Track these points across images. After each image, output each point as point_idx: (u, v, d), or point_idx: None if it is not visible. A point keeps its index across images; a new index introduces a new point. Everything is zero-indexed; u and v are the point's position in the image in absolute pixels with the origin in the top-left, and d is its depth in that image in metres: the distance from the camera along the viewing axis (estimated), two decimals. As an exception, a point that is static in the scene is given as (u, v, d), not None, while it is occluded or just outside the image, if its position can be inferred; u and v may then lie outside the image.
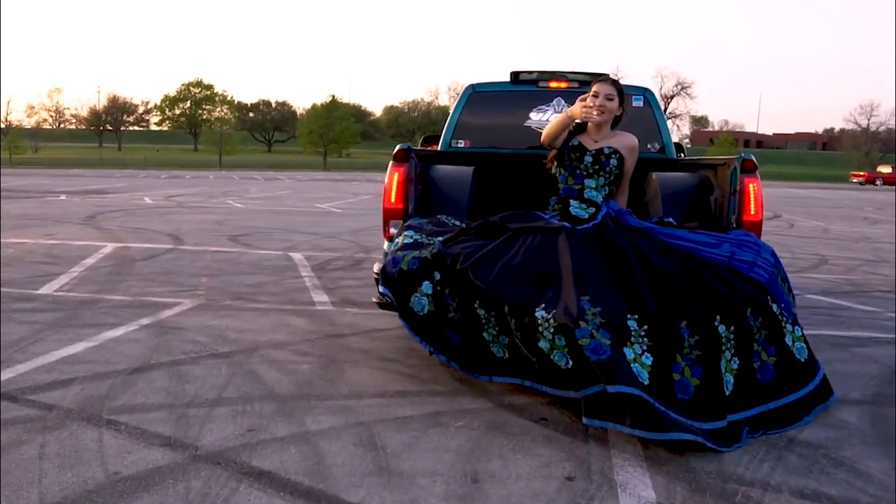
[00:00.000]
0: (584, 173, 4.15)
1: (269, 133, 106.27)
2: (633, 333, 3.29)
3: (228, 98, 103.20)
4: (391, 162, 4.63)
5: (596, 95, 4.16)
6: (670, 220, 4.31)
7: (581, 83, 6.03)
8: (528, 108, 5.96)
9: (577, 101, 4.14)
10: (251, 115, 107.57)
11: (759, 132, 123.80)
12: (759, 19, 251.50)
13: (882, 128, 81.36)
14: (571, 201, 4.15)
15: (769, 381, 3.51)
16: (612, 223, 3.95)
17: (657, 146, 5.65)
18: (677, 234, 3.94)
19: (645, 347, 3.27)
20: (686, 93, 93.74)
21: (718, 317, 3.43)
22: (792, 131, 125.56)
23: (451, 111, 6.35)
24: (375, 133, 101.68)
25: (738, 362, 3.46)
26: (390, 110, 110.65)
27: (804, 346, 3.63)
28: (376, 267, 4.09)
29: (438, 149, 6.17)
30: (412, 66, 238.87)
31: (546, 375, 3.41)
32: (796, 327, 3.65)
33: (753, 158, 4.53)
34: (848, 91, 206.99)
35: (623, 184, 4.39)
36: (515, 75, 6.10)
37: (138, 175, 34.47)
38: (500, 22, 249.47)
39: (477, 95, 6.09)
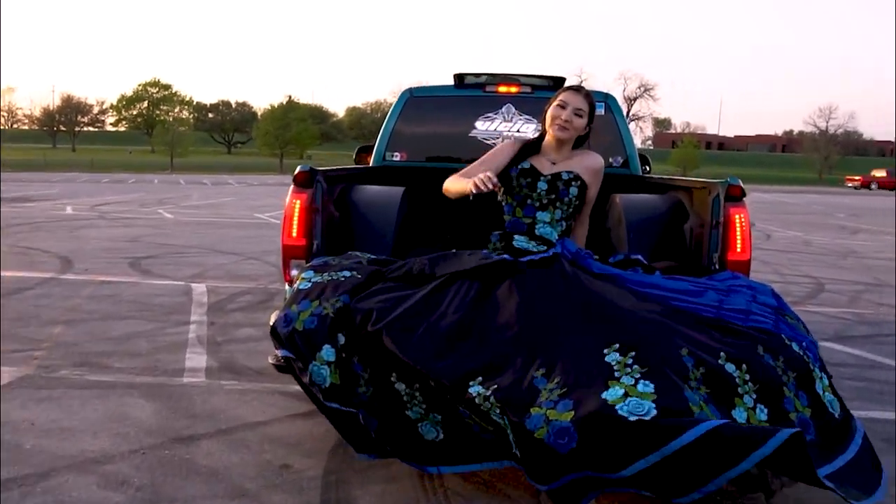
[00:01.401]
0: (537, 204, 3.24)
1: (228, 134, 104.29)
2: None
3: (187, 98, 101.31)
4: (291, 187, 3.51)
5: (563, 107, 3.24)
6: (638, 257, 3.37)
7: (534, 87, 5.13)
8: (474, 115, 5.14)
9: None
10: (211, 115, 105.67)
11: (721, 134, 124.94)
12: (722, 21, 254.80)
13: (840, 130, 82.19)
14: (517, 237, 3.22)
15: (813, 441, 2.51)
16: (568, 267, 2.97)
17: (620, 160, 4.89)
18: (650, 283, 3.01)
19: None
20: (649, 95, 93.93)
21: (723, 354, 2.54)
22: (752, 133, 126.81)
23: (386, 117, 5.23)
24: (338, 134, 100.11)
25: (766, 412, 2.49)
26: (352, 112, 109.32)
27: (835, 398, 2.72)
28: (273, 317, 2.92)
29: (371, 162, 5.09)
30: (375, 66, 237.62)
31: (506, 449, 2.53)
32: (823, 374, 2.74)
33: (741, 184, 3.56)
34: (807, 94, 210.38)
35: (583, 216, 3.38)
36: (460, 78, 5.20)
37: (79, 179, 32.45)
38: (465, 22, 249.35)
39: (415, 101, 5.25)
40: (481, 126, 5.14)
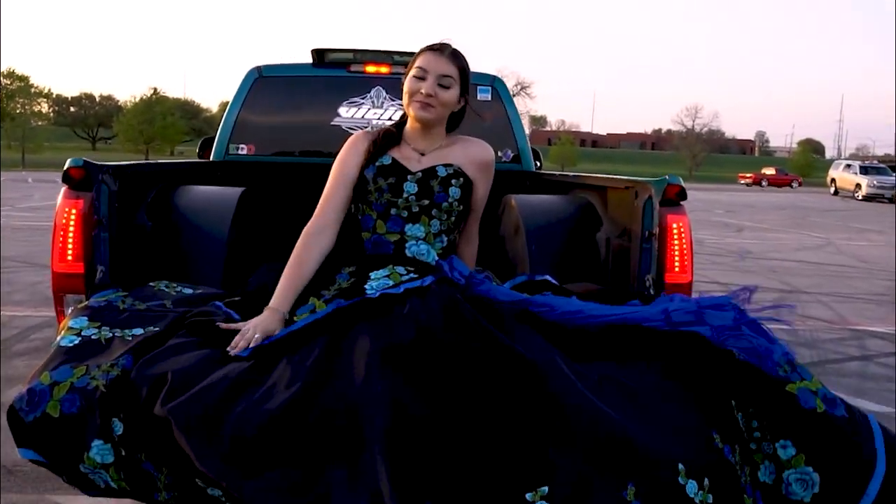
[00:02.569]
0: (405, 214, 2.36)
1: (92, 129, 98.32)
2: None
3: (45, 91, 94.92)
4: (63, 189, 2.50)
5: (421, 77, 2.35)
6: (546, 277, 2.52)
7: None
8: (337, 100, 4.35)
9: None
10: (73, 109, 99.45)
11: (595, 132, 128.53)
12: (595, 19, 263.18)
13: (705, 129, 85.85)
14: (372, 276, 2.17)
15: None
16: (459, 298, 2.06)
17: (510, 154, 4.29)
18: (577, 309, 2.15)
19: None
20: (526, 93, 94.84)
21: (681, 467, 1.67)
22: (624, 132, 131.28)
23: (230, 102, 4.30)
24: (210, 130, 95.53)
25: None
26: (226, 106, 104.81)
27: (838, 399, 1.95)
28: (15, 393, 1.92)
29: (212, 157, 4.15)
30: (248, 59, 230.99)
31: None
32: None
33: (682, 183, 2.77)
34: (674, 93, 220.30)
35: (470, 226, 2.52)
36: (319, 55, 4.43)
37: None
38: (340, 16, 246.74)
39: (265, 82, 4.38)
40: (345, 113, 4.32)
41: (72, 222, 2.44)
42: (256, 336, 1.98)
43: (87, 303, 2.21)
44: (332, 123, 4.30)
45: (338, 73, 4.35)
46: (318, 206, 2.39)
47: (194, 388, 1.77)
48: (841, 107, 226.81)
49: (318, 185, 2.52)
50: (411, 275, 2.15)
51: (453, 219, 2.42)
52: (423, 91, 2.31)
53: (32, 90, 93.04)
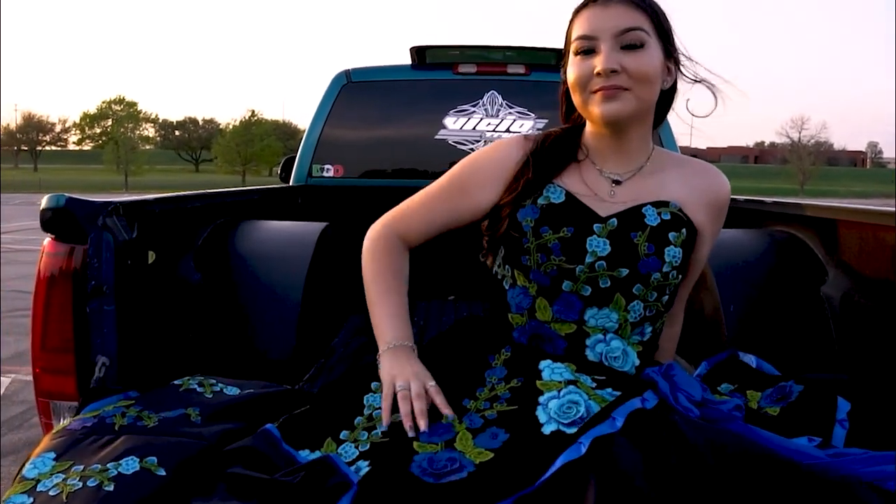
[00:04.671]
0: (586, 292, 1.38)
1: (195, 152, 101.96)
2: None
3: (152, 116, 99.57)
4: (46, 240, 1.67)
5: (590, 49, 1.38)
6: (752, 359, 1.61)
7: (531, 66, 3.52)
8: (442, 108, 3.53)
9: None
10: (177, 133, 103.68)
11: (693, 146, 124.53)
12: (695, 30, 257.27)
13: (812, 141, 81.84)
14: (546, 364, 1.30)
15: None
16: (706, 459, 1.10)
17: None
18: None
19: None
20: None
21: None
22: (725, 145, 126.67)
23: (313, 114, 3.55)
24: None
25: None
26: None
27: None
28: None
29: (292, 181, 3.57)
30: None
31: None
32: None
33: None
34: (776, 104, 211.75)
35: (680, 297, 1.61)
36: (420, 53, 3.60)
37: (13, 201, 29.77)
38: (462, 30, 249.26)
39: (354, 88, 3.59)
40: (453, 124, 3.50)
41: (59, 291, 1.60)
42: (430, 386, 1.30)
43: (67, 423, 1.38)
44: (437, 137, 3.51)
45: (443, 75, 3.54)
46: (409, 209, 1.57)
47: None
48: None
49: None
50: (615, 393, 1.23)
51: (665, 297, 1.44)
52: (599, 70, 1.34)
53: (140, 115, 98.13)
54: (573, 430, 1.14)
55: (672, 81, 1.45)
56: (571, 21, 1.43)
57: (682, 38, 1.45)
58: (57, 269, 1.61)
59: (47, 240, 1.66)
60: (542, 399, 1.20)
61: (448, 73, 3.54)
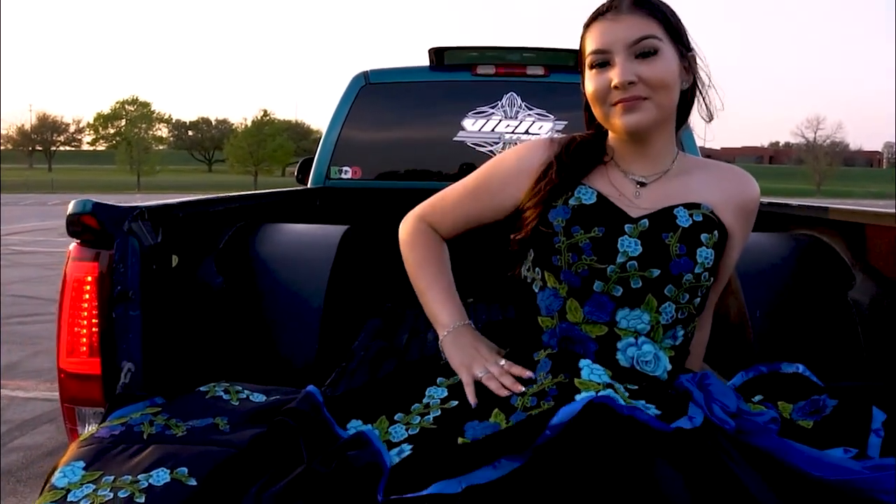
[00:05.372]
0: (617, 292, 1.37)
1: (209, 152, 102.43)
2: None
3: (166, 116, 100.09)
4: (72, 246, 1.71)
5: (605, 62, 1.39)
6: (798, 367, 1.58)
7: (551, 67, 3.50)
8: (461, 110, 3.53)
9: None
10: (190, 133, 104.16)
11: (708, 146, 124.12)
12: (707, 32, 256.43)
13: (827, 141, 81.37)
14: (586, 363, 1.31)
15: None
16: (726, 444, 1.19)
17: None
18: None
19: None
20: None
21: None
22: (739, 145, 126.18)
23: (331, 116, 3.55)
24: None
25: None
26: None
27: None
28: None
29: (309, 183, 3.58)
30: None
31: None
32: None
33: None
34: (790, 105, 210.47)
35: (710, 301, 1.56)
36: (438, 55, 3.60)
37: (24, 201, 29.93)
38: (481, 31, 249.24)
39: (372, 90, 3.59)
40: (471, 126, 3.48)
41: (85, 296, 1.61)
42: (503, 363, 1.39)
43: (95, 430, 1.37)
44: (455, 139, 3.49)
45: (461, 76, 3.53)
46: (439, 204, 1.63)
47: None
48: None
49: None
50: (648, 407, 1.23)
51: (698, 300, 1.42)
52: (616, 83, 1.35)
53: (153, 115, 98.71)
54: None
55: (690, 81, 1.45)
56: (583, 35, 1.44)
57: (697, 40, 1.45)
58: (83, 274, 1.61)
59: (73, 245, 1.66)
60: (578, 398, 1.19)
61: (467, 75, 3.53)
